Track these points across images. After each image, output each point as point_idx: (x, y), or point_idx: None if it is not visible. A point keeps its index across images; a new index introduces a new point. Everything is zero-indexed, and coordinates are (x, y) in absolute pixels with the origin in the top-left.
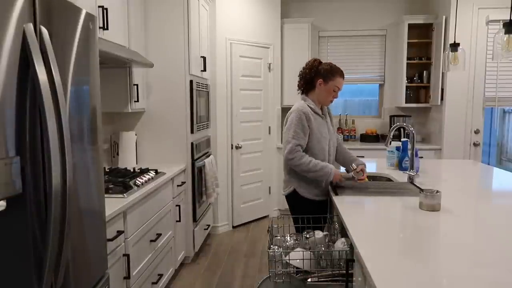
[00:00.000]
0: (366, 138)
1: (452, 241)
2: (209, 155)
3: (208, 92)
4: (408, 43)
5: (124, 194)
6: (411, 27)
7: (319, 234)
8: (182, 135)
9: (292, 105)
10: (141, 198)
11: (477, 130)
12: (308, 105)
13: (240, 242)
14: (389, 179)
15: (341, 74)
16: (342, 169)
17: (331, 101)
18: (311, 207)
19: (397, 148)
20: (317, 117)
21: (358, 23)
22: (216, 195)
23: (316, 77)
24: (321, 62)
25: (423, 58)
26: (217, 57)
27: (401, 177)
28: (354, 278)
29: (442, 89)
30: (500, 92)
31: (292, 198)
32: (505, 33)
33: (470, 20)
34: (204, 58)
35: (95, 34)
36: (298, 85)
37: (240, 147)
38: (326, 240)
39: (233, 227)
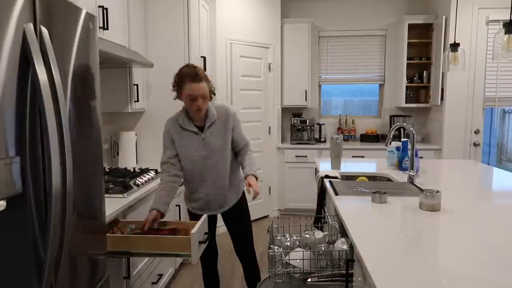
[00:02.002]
0: (366, 138)
1: (452, 241)
2: None
3: None
4: (408, 43)
5: (124, 194)
6: (411, 27)
7: (319, 234)
8: None
9: (292, 105)
10: (141, 198)
11: (477, 130)
12: (178, 118)
13: None
14: (389, 179)
15: (189, 78)
16: None
17: (198, 111)
18: (197, 218)
19: (397, 148)
20: (187, 133)
21: (358, 23)
22: None
23: (178, 87)
24: (186, 66)
25: (423, 58)
26: (217, 57)
27: (401, 177)
28: (354, 278)
29: (442, 89)
30: (500, 92)
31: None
32: (505, 33)
33: (470, 20)
34: (204, 58)
35: (95, 34)
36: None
37: None
38: (326, 240)
39: None
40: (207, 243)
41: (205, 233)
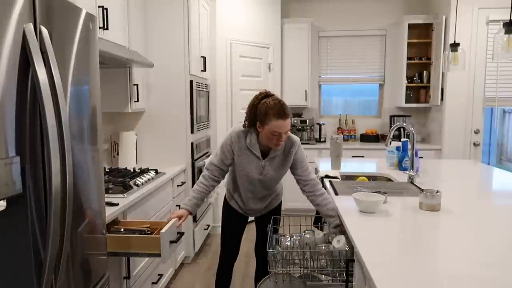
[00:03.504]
0: (366, 138)
1: (452, 241)
2: (209, 155)
3: (208, 92)
4: (408, 43)
5: (124, 194)
6: (411, 27)
7: (319, 234)
8: (182, 135)
9: (292, 105)
10: (141, 198)
11: (477, 130)
12: (247, 136)
13: None
14: (389, 179)
15: (277, 115)
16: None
17: (278, 145)
18: (228, 209)
19: (397, 148)
20: (249, 153)
21: (358, 23)
22: (216, 195)
23: (256, 118)
24: (266, 96)
25: (423, 58)
26: (217, 57)
27: (401, 177)
28: (354, 278)
29: (442, 89)
30: (500, 92)
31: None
32: (505, 33)
33: (470, 20)
34: (204, 58)
35: (95, 34)
36: (244, 121)
37: None
38: (326, 240)
39: None
40: (179, 243)
41: (178, 233)
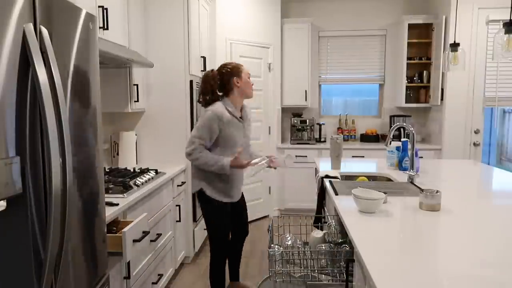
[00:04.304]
0: (366, 138)
1: (452, 241)
2: None
3: None
4: (408, 43)
5: (124, 194)
6: (411, 27)
7: (318, 233)
8: (182, 135)
9: (292, 105)
10: (141, 198)
11: (477, 130)
12: (226, 108)
13: None
14: (389, 179)
15: (239, 64)
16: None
17: (252, 85)
18: (221, 209)
19: (397, 148)
20: (234, 120)
21: (358, 23)
22: None
23: (230, 79)
24: (220, 67)
25: (423, 58)
26: (217, 57)
27: (401, 177)
28: (354, 278)
29: (442, 89)
30: (500, 92)
31: (200, 198)
32: (505, 33)
33: (470, 20)
34: (204, 58)
35: (95, 34)
36: (202, 100)
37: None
38: (326, 240)
39: None
40: (141, 242)
41: (143, 232)
